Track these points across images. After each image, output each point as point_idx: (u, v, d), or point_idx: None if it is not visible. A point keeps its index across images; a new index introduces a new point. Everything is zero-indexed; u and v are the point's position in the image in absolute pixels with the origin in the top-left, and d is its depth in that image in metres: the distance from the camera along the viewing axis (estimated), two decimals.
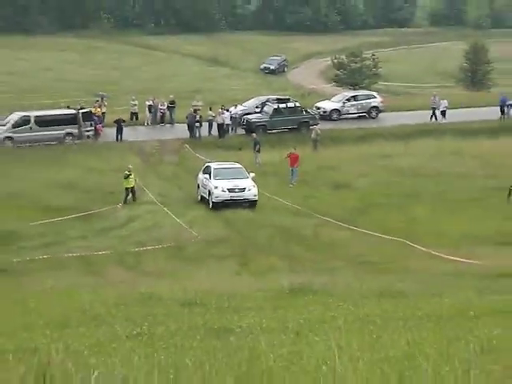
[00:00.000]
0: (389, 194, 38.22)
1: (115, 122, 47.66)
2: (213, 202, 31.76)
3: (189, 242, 30.90)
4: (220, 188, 31.49)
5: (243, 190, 31.72)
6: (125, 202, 35.41)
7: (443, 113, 52.90)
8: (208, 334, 12.96)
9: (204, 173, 33.77)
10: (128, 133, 48.81)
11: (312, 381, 5.77)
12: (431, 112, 52.88)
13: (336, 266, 27.33)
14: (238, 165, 34.51)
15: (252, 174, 32.97)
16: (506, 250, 28.42)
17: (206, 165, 34.45)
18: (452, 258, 27.38)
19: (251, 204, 31.77)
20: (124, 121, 48.41)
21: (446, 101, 54.00)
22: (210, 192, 32.08)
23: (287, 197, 36.27)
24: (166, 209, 34.36)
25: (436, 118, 52.85)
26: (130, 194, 35.81)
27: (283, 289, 20.22)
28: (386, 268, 26.98)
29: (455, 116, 53.70)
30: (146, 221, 34.06)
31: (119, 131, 47.17)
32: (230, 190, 31.46)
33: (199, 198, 33.90)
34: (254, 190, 31.92)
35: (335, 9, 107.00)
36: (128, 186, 35.59)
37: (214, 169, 33.24)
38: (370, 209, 35.52)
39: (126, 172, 35.70)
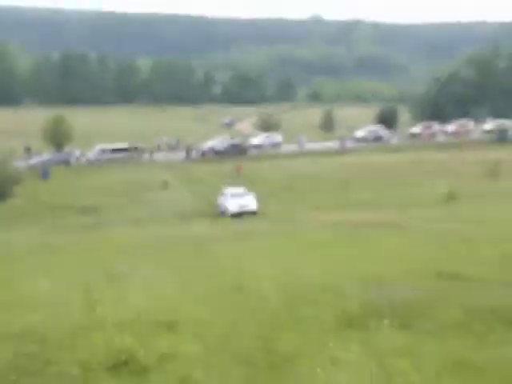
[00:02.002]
0: (289, 184, 48.08)
1: (150, 150, 68.01)
2: (229, 215, 34.47)
3: (187, 209, 39.04)
4: (232, 204, 35.03)
5: (248, 204, 35.13)
6: (164, 188, 48.95)
7: (302, 145, 72.49)
8: (197, 253, 15.18)
9: (221, 196, 37.38)
10: (155, 156, 67.26)
11: (249, 274, 10.18)
12: (298, 144, 72.74)
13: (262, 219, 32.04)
14: (242, 188, 38.15)
15: (253, 194, 36.58)
16: (342, 212, 32.17)
17: (222, 191, 37.80)
18: (319, 216, 30.37)
19: (253, 213, 34.61)
20: (152, 150, 68.40)
21: (304, 137, 74.68)
22: (226, 207, 35.35)
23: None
24: (174, 193, 47.44)
25: (302, 146, 72.49)
26: (166, 185, 49.05)
27: (234, 231, 23.57)
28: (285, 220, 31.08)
29: (314, 145, 73.65)
30: (166, 199, 44.08)
31: (151, 155, 67.35)
32: (240, 206, 34.72)
33: (220, 213, 36.49)
34: (255, 204, 35.28)
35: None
36: (165, 181, 49.52)
37: (228, 191, 37.02)
38: (281, 191, 44.33)
39: (167, 174, 52.48)
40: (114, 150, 65.93)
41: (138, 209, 43.36)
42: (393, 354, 5.31)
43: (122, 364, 5.46)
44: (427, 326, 6.32)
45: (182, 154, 70.50)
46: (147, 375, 5.30)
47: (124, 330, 6.15)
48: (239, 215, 33.84)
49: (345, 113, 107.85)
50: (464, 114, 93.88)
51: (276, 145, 76.72)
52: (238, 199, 35.79)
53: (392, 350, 5.45)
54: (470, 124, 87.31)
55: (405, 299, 7.11)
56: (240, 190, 38.22)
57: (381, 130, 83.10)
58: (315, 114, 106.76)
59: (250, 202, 35.58)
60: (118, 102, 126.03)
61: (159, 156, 71.12)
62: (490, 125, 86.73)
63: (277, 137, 79.65)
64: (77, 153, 68.24)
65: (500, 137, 79.36)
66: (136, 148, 67.97)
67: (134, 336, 6.07)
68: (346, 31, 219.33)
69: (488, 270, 9.09)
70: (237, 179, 55.92)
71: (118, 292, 7.71)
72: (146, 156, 68.79)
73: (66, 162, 65.08)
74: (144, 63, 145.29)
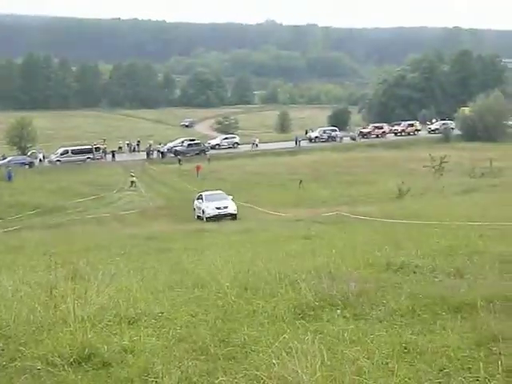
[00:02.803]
0: (246, 182, 50.53)
1: (111, 151, 68.95)
2: (206, 218, 32.93)
3: (148, 208, 41.11)
4: (210, 207, 33.26)
5: (226, 207, 33.41)
6: (130, 187, 50.29)
7: (256, 146, 75.90)
8: (157, 252, 15.11)
9: (197, 199, 35.62)
10: (118, 157, 69.08)
11: (207, 270, 9.30)
12: (252, 145, 75.81)
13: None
14: (220, 191, 36.63)
15: (231, 197, 34.97)
16: (297, 209, 35.31)
17: (199, 194, 36.21)
18: (274, 213, 33.35)
19: (233, 216, 33.09)
20: (114, 151, 69.47)
21: (258, 139, 77.50)
22: (203, 211, 33.62)
23: (195, 185, 48.76)
24: (135, 193, 48.26)
25: (256, 146, 75.30)
26: (132, 184, 50.55)
27: (193, 230, 24.48)
28: (243, 217, 33.13)
29: (270, 145, 76.57)
30: (128, 198, 46.14)
31: (113, 156, 68.28)
32: (217, 208, 33.11)
33: (196, 217, 35.18)
34: (234, 207, 33.65)
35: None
36: (132, 180, 50.99)
37: (205, 195, 35.13)
38: (238, 190, 43.89)
39: (131, 173, 51.83)
40: (76, 152, 65.31)
41: (99, 208, 43.14)
42: (344, 343, 5.35)
43: (84, 358, 5.39)
44: (377, 314, 6.38)
45: (142, 155, 70.33)
46: (109, 369, 5.25)
47: (86, 325, 6.01)
48: (217, 218, 32.19)
49: (299, 114, 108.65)
50: (411, 115, 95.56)
51: (233, 145, 77.18)
52: (215, 202, 33.93)
53: (344, 338, 5.50)
54: (416, 124, 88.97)
55: (356, 290, 7.13)
56: (217, 192, 36.45)
57: (333, 131, 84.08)
58: (271, 115, 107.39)
59: (228, 205, 33.83)
60: (80, 105, 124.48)
61: (121, 157, 70.69)
62: (434, 125, 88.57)
63: (234, 138, 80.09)
64: (40, 155, 67.47)
65: (444, 136, 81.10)
66: (98, 149, 67.50)
67: (97, 331, 6.02)
68: (300, 35, 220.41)
69: (434, 261, 9.20)
70: (196, 179, 56.02)
71: (81, 289, 7.57)
72: (109, 157, 68.36)
73: (30, 164, 64.28)
74: (105, 67, 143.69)
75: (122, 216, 38.40)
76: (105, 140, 73.51)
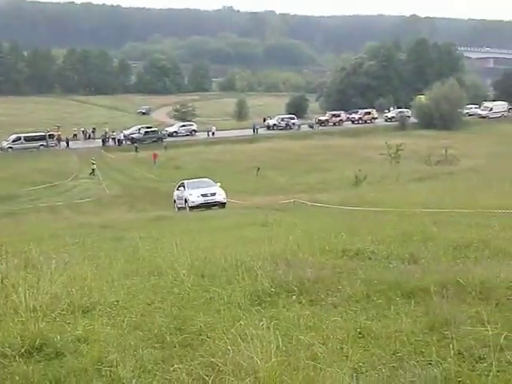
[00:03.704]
0: (204, 170, 47.13)
1: (66, 138, 68.07)
2: (189, 207, 28.90)
3: (104, 197, 41.06)
4: (195, 195, 29.03)
5: (214, 194, 29.20)
6: (90, 175, 50.25)
7: (213, 134, 75.91)
8: (113, 240, 14.70)
9: (178, 189, 31.66)
10: (73, 144, 68.41)
11: (163, 258, 9.25)
12: (207, 133, 75.80)
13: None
14: (205, 178, 32.76)
15: (218, 184, 30.83)
16: (255, 196, 36.43)
17: (180, 183, 32.12)
18: (232, 200, 31.89)
19: (221, 205, 29.23)
20: (68, 138, 68.83)
21: (214, 127, 77.49)
22: (186, 200, 29.58)
23: (153, 174, 49.78)
24: (91, 181, 47.94)
25: (213, 134, 75.41)
26: (93, 172, 50.18)
27: (150, 218, 23.73)
28: None
29: (228, 133, 76.77)
30: (83, 187, 46.08)
31: (67, 143, 67.53)
32: (203, 196, 28.94)
33: (176, 209, 31.14)
34: (223, 194, 29.70)
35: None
36: (92, 168, 50.53)
37: (187, 182, 31.11)
38: (192, 177, 41.80)
39: (91, 160, 51.38)
40: (29, 139, 64.12)
41: (53, 196, 42.49)
42: (300, 328, 5.38)
43: (36, 349, 5.32)
44: (333, 300, 6.43)
45: (98, 143, 69.50)
46: (62, 358, 5.17)
47: (39, 315, 5.95)
48: (204, 207, 28.50)
49: (257, 102, 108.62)
50: (368, 103, 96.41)
51: (191, 133, 76.88)
52: (200, 189, 29.76)
53: (299, 324, 5.53)
54: (373, 112, 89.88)
55: (312, 276, 7.17)
56: (202, 180, 32.58)
57: (291, 119, 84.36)
58: (229, 103, 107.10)
59: (216, 192, 29.65)
60: (33, 91, 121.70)
61: (76, 144, 69.70)
62: (391, 113, 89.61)
63: (192, 125, 79.72)
64: None
65: (401, 123, 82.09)
66: (52, 136, 66.36)
67: (49, 321, 5.94)
68: (258, 22, 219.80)
69: (389, 248, 9.31)
70: (153, 166, 55.60)
71: (33, 279, 7.45)
72: (63, 144, 67.32)
73: None
74: (58, 52, 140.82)
75: (77, 204, 38.11)
76: (59, 127, 72.07)
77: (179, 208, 31.00)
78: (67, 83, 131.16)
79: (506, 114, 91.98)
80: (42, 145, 64.33)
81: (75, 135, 73.42)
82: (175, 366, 4.74)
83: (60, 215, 31.55)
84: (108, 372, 4.77)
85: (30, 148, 62.16)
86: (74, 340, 5.52)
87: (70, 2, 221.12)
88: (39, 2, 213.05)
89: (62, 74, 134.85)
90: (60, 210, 34.63)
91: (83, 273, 8.33)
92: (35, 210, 33.82)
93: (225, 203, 29.52)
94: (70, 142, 68.30)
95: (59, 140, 67.53)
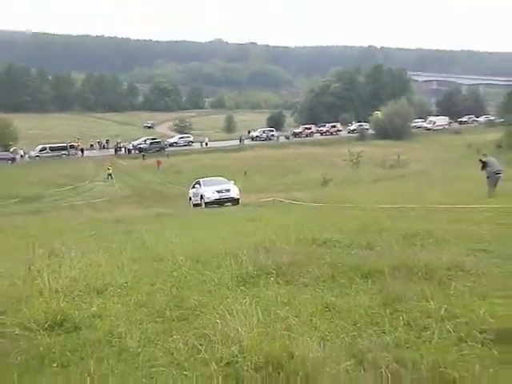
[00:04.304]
0: (199, 174, 43.96)
1: (80, 148, 67.00)
2: (205, 203, 26.09)
3: (117, 196, 39.59)
4: (210, 191, 26.31)
5: (228, 190, 26.41)
6: (107, 178, 48.89)
7: (206, 144, 75.18)
8: (123, 233, 14.13)
9: (193, 187, 28.71)
10: (90, 153, 67.36)
11: (165, 247, 9.08)
12: (201, 143, 74.98)
13: (179, 204, 31.66)
14: (220, 177, 29.65)
15: (232, 182, 28.12)
16: (243, 195, 29.39)
17: (195, 181, 29.23)
18: None
19: (235, 201, 26.27)
20: (83, 148, 67.51)
21: (207, 138, 77.02)
22: (202, 196, 26.70)
23: (157, 177, 49.00)
24: (106, 183, 47.14)
25: (206, 145, 74.48)
26: (108, 177, 49.01)
27: (155, 214, 22.19)
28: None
29: (219, 143, 76.00)
30: (99, 188, 45.26)
31: (82, 152, 66.57)
32: (218, 192, 26.20)
33: (192, 206, 28.22)
34: (237, 191, 26.81)
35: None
36: (109, 173, 49.37)
37: (203, 180, 28.26)
38: (193, 180, 38.74)
39: (108, 166, 50.34)
40: (53, 149, 63.63)
41: (74, 196, 42.07)
42: (277, 304, 5.38)
43: (57, 324, 5.25)
44: (304, 280, 6.42)
45: (111, 152, 69.06)
46: (79, 332, 5.13)
47: (60, 296, 5.89)
48: (218, 204, 25.72)
49: (243, 117, 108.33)
50: (334, 118, 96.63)
51: (188, 143, 76.66)
52: (215, 186, 27.15)
53: (276, 301, 5.52)
54: (338, 126, 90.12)
55: (287, 260, 7.15)
56: (217, 178, 29.60)
57: (271, 131, 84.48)
58: (219, 118, 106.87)
59: (231, 189, 26.86)
60: (56, 109, 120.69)
61: (92, 153, 69.24)
62: (353, 126, 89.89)
63: (189, 137, 79.50)
64: (21, 151, 65.53)
65: (360, 135, 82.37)
66: (72, 147, 65.87)
67: (69, 300, 5.87)
68: (243, 52, 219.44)
69: (350, 237, 9.31)
70: (156, 171, 55.27)
71: (56, 266, 7.38)
72: (79, 153, 66.78)
73: (12, 160, 62.30)
74: (78, 77, 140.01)
75: (94, 203, 37.43)
76: (78, 139, 71.52)
77: (195, 205, 27.99)
78: (85, 103, 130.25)
79: (446, 127, 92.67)
80: (64, 154, 63.74)
81: (92, 145, 73.00)
82: (174, 336, 4.72)
83: (79, 212, 31.02)
84: (118, 342, 4.74)
85: (54, 156, 61.57)
86: (90, 316, 5.48)
87: (86, 35, 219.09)
88: (59, 35, 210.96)
89: (81, 95, 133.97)
90: (79, 208, 33.98)
91: (98, 260, 8.22)
92: (58, 208, 33.39)
93: (238, 199, 26.54)
94: (86, 151, 67.75)
95: (81, 150, 67.16)
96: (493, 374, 3.69)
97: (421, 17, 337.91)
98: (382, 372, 3.72)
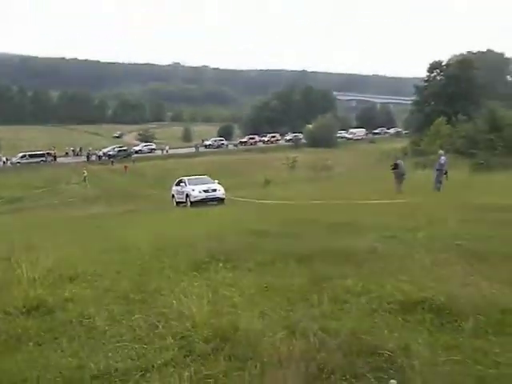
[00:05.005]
0: (161, 177, 46.46)
1: (53, 155, 62.98)
2: (191, 202, 22.28)
3: (89, 197, 38.09)
4: (196, 190, 22.58)
5: (215, 190, 22.80)
6: (83, 181, 46.44)
7: (167, 151, 72.29)
8: (94, 227, 14.09)
9: (177, 185, 24.73)
10: (65, 160, 63.96)
11: (130, 239, 8.87)
12: (162, 150, 72.78)
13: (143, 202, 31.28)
14: (204, 176, 25.86)
15: (216, 181, 24.00)
16: None
17: (179, 179, 25.17)
18: None
19: (221, 200, 22.53)
20: (55, 155, 63.65)
21: (168, 146, 74.47)
22: (187, 195, 22.82)
23: (125, 180, 47.79)
24: (79, 185, 45.55)
25: (167, 152, 72.34)
26: (84, 179, 46.55)
27: (122, 211, 22.94)
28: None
29: (178, 150, 73.35)
30: (73, 190, 43.54)
31: (55, 158, 62.83)
32: (205, 191, 22.57)
33: (175, 203, 24.31)
34: (223, 191, 23.03)
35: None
36: (84, 176, 47.05)
37: (188, 179, 24.24)
38: (155, 182, 43.70)
39: (83, 170, 48.32)
40: (32, 156, 60.79)
41: (51, 197, 40.49)
42: (224, 286, 5.32)
43: (34, 308, 5.04)
44: (248, 265, 6.39)
45: (84, 158, 66.50)
46: (54, 314, 4.94)
47: (36, 284, 5.67)
48: (203, 203, 21.81)
49: (198, 129, 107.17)
50: (273, 129, 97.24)
51: (151, 151, 75.14)
52: (201, 185, 23.35)
53: (223, 283, 5.47)
54: (277, 136, 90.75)
55: (234, 248, 7.15)
56: (201, 176, 25.80)
57: (221, 140, 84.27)
58: (178, 130, 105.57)
59: (217, 188, 23.11)
60: (35, 122, 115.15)
61: (67, 159, 66.73)
62: (289, 136, 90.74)
63: (151, 145, 78.00)
64: (4, 158, 62.36)
65: (295, 144, 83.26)
66: (49, 154, 63.11)
67: (44, 288, 5.64)
68: (198, 73, 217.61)
69: (285, 228, 9.38)
70: (124, 175, 53.83)
71: (33, 257, 7.07)
72: (56, 160, 63.97)
73: None
74: (54, 94, 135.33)
75: (69, 202, 36.26)
76: (55, 147, 68.39)
77: (178, 203, 24.10)
78: (60, 116, 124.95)
79: (364, 137, 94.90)
80: (42, 160, 60.75)
81: (67, 153, 70.13)
82: (136, 316, 4.60)
83: (56, 210, 30.09)
84: (87, 322, 4.60)
85: (33, 163, 58.69)
86: (63, 300, 5.29)
87: (61, 58, 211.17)
88: (40, 58, 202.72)
89: (57, 110, 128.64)
90: (56, 207, 33.00)
91: (71, 251, 8.01)
92: (38, 207, 32.17)
93: (224, 199, 22.91)
94: (61, 158, 64.96)
95: (55, 157, 64.32)
96: (396, 338, 3.75)
97: (344, 46, 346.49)
98: (310, 339, 3.74)
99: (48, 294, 5.42)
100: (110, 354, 3.84)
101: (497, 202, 12.36)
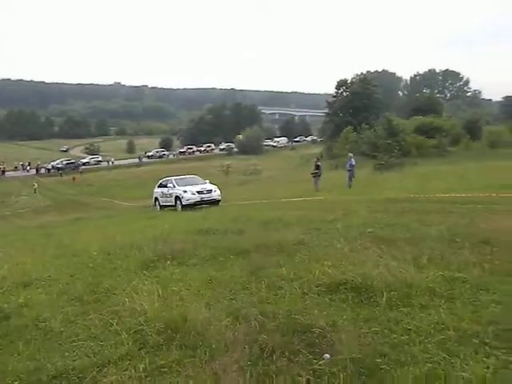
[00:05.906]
0: (107, 186, 45.73)
1: (2, 170, 58.34)
2: (183, 205, 17.43)
3: (40, 207, 35.44)
4: (189, 192, 17.62)
5: (210, 191, 17.86)
6: (34, 193, 42.85)
7: (112, 163, 69.60)
8: (45, 235, 12.90)
9: (160, 186, 19.69)
10: (15, 174, 59.25)
11: (81, 244, 8.32)
12: (108, 162, 69.76)
13: (91, 209, 29.33)
14: (193, 175, 20.70)
15: (207, 181, 19.05)
16: (140, 200, 29.68)
17: (163, 180, 19.98)
18: (126, 203, 31.68)
19: (216, 203, 17.74)
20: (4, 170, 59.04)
21: (113, 158, 71.76)
22: (178, 197, 17.84)
23: (73, 190, 44.82)
24: (29, 197, 41.68)
25: (112, 163, 69.76)
26: (35, 191, 43.46)
27: (72, 219, 20.21)
28: (105, 208, 30.21)
29: (122, 161, 70.64)
30: (24, 201, 39.79)
31: (3, 173, 58.53)
32: (199, 193, 17.60)
33: (158, 207, 19.34)
34: (218, 191, 18.08)
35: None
36: (34, 188, 44.00)
37: (175, 179, 19.09)
38: (102, 190, 42.15)
39: (34, 182, 45.30)
40: None
41: (2, 208, 37.47)
42: (172, 282, 5.17)
43: None
44: (193, 261, 6.25)
45: (33, 172, 62.11)
46: (9, 320, 4.54)
47: None
48: (198, 205, 17.39)
49: (140, 141, 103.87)
50: (209, 140, 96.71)
51: (97, 162, 71.79)
52: (194, 186, 18.15)
53: (172, 279, 5.31)
54: (212, 146, 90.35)
55: (180, 247, 6.97)
56: (190, 176, 20.49)
57: (162, 151, 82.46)
58: (122, 143, 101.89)
59: (212, 189, 18.10)
60: None
61: (17, 173, 62.10)
62: (223, 146, 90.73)
63: (98, 157, 74.53)
64: None
65: (228, 152, 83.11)
66: None
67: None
68: (138, 92, 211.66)
69: (226, 226, 9.31)
70: (73, 185, 51.00)
71: None
72: (7, 174, 59.48)
73: None
74: (1, 112, 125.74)
75: (20, 213, 33.58)
76: (4, 162, 63.44)
77: (163, 206, 18.90)
78: (7, 133, 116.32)
79: (286, 144, 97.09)
80: None
81: (16, 167, 65.19)
82: (91, 316, 4.34)
83: (8, 221, 27.89)
84: (43, 325, 4.28)
85: None
86: (18, 306, 4.90)
87: (7, 79, 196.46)
88: None
89: (4, 127, 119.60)
90: (7, 218, 30.55)
91: (24, 259, 7.52)
92: None
93: (219, 201, 18.03)
94: (10, 172, 60.41)
95: (4, 171, 59.65)
96: (325, 316, 3.81)
97: (268, 67, 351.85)
98: (252, 324, 3.71)
99: (2, 300, 5.02)
100: (66, 354, 3.60)
101: (396, 195, 13.05)
